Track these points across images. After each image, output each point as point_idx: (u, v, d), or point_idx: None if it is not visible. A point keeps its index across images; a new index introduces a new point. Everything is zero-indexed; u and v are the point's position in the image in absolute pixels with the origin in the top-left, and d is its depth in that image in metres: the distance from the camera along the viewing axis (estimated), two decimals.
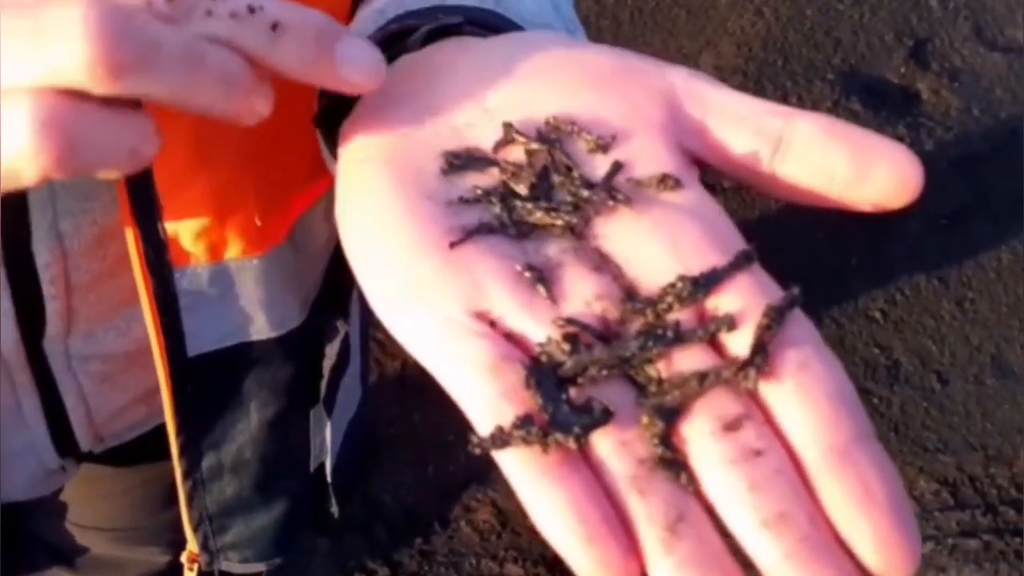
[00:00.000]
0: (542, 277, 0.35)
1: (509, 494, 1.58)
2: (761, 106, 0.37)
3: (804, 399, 0.31)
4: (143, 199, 0.48)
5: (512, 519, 1.57)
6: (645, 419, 0.32)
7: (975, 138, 1.98)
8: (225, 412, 0.60)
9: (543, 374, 0.32)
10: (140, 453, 0.67)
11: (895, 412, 1.69)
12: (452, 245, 0.35)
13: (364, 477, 1.54)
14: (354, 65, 0.36)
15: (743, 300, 0.33)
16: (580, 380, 0.33)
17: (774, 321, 0.32)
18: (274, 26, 0.34)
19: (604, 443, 0.31)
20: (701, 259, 0.34)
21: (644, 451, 0.31)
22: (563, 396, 0.32)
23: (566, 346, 0.33)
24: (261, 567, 0.70)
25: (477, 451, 0.31)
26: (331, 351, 0.65)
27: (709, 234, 0.35)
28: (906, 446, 1.65)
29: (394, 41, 0.44)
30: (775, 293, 0.34)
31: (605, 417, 0.32)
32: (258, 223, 0.51)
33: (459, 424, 0.33)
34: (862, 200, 0.35)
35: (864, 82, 2.05)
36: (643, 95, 0.38)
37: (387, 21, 0.45)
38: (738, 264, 0.34)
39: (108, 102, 0.32)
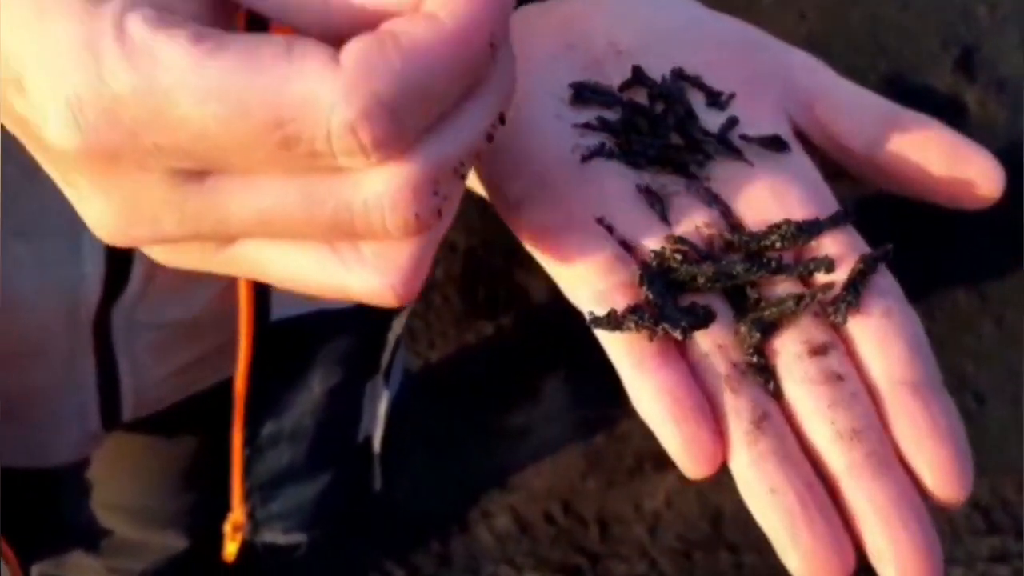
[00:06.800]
0: (659, 199, 0.39)
1: (528, 499, 1.57)
2: (869, 96, 0.42)
3: (886, 339, 0.35)
4: None
5: (531, 525, 1.54)
6: (743, 329, 0.36)
7: (1022, 151, 1.94)
8: (292, 379, 0.62)
9: (655, 275, 0.36)
10: (166, 425, 0.69)
11: None
12: (584, 159, 0.39)
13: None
14: None
15: (839, 249, 0.38)
16: (685, 289, 0.36)
17: (868, 267, 0.37)
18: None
19: (703, 343, 0.35)
20: (804, 211, 0.38)
21: (738, 357, 0.35)
22: (671, 297, 0.36)
23: (678, 256, 0.37)
24: (302, 537, 0.72)
25: (592, 326, 0.35)
26: (397, 324, 0.68)
27: (811, 192, 0.39)
28: None
29: None
30: (866, 248, 0.38)
31: (708, 318, 0.36)
32: None
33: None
34: (947, 195, 0.40)
35: (909, 90, 2.00)
36: (763, 66, 0.42)
37: None
38: (837, 220, 0.39)
39: None
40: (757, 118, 0.41)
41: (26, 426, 0.61)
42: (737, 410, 0.34)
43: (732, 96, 0.42)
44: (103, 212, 0.31)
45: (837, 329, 0.36)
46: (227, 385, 0.64)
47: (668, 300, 0.36)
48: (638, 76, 0.42)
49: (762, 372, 0.35)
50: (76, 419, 0.62)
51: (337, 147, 0.28)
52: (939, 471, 0.34)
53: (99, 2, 0.28)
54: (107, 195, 0.31)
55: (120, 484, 0.79)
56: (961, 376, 1.71)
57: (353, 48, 0.28)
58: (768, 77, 0.42)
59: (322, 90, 0.28)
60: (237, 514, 0.68)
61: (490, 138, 0.32)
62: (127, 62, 0.28)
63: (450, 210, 0.32)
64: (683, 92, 0.42)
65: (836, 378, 0.35)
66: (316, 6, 0.30)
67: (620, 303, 0.35)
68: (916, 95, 2.00)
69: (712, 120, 0.41)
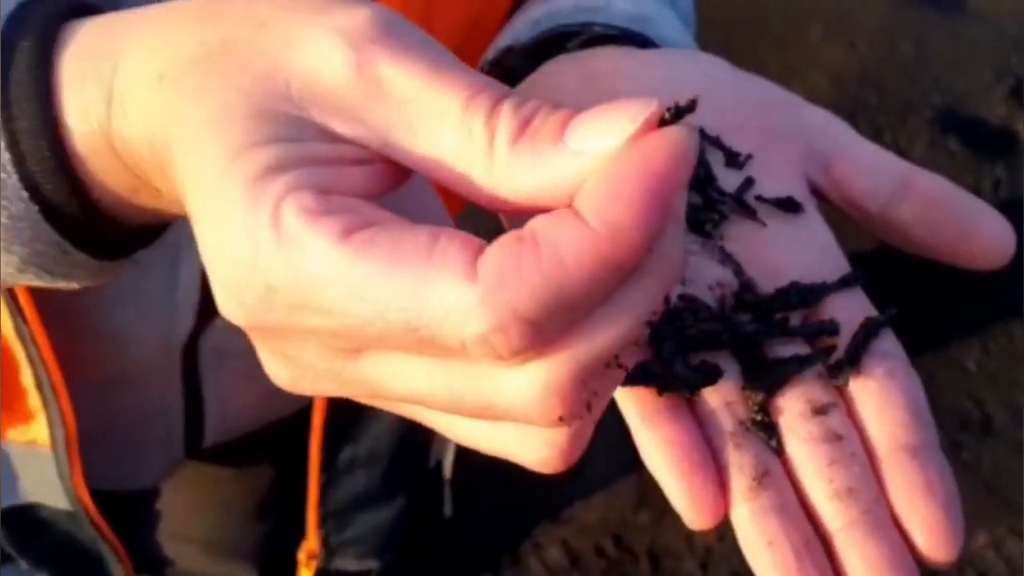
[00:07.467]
0: None
1: (579, 532, 1.56)
2: (886, 157, 0.42)
3: (886, 402, 0.36)
4: None
5: (582, 558, 1.54)
6: (749, 387, 0.37)
7: None
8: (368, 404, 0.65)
9: (667, 333, 0.37)
10: (242, 455, 0.72)
11: (986, 468, 1.63)
12: None
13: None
14: None
15: (846, 311, 0.39)
16: (696, 348, 0.37)
17: (871, 332, 0.38)
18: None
19: (711, 400, 0.37)
20: (814, 272, 0.40)
21: (743, 414, 0.37)
22: (681, 355, 0.37)
23: (690, 315, 0.38)
24: (375, 563, 0.73)
25: None
26: None
27: (822, 254, 0.41)
28: (997, 504, 1.59)
29: (542, 45, 0.50)
30: (872, 312, 0.39)
31: (716, 376, 0.37)
32: None
33: None
34: (959, 258, 0.41)
35: (961, 121, 1.99)
36: (783, 127, 0.43)
37: (541, 31, 0.50)
38: (845, 283, 0.40)
39: None
40: (774, 177, 0.42)
41: (113, 450, 0.63)
42: (740, 465, 0.35)
43: (749, 157, 0.43)
44: (273, 367, 0.33)
45: (840, 389, 0.37)
46: (304, 412, 0.65)
47: (678, 357, 0.37)
48: None
49: (766, 429, 0.37)
50: (162, 444, 0.65)
51: (472, 352, 0.28)
52: (931, 533, 0.34)
53: (265, 183, 0.29)
54: (275, 355, 0.32)
55: (196, 515, 0.81)
56: (1017, 413, 1.69)
57: (492, 255, 0.28)
58: (787, 136, 0.43)
59: (457, 299, 0.28)
60: (312, 541, 0.69)
61: (650, 324, 0.30)
62: (280, 253, 0.29)
63: (608, 395, 0.31)
64: (703, 152, 0.42)
65: (836, 438, 0.36)
66: (482, 193, 0.30)
67: (633, 359, 0.36)
68: (968, 125, 1.98)
69: (730, 179, 0.42)
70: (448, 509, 0.80)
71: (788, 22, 2.13)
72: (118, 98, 0.34)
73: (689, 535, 1.54)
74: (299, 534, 0.70)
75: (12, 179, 0.36)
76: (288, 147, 0.30)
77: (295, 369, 0.32)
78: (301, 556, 0.70)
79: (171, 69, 0.32)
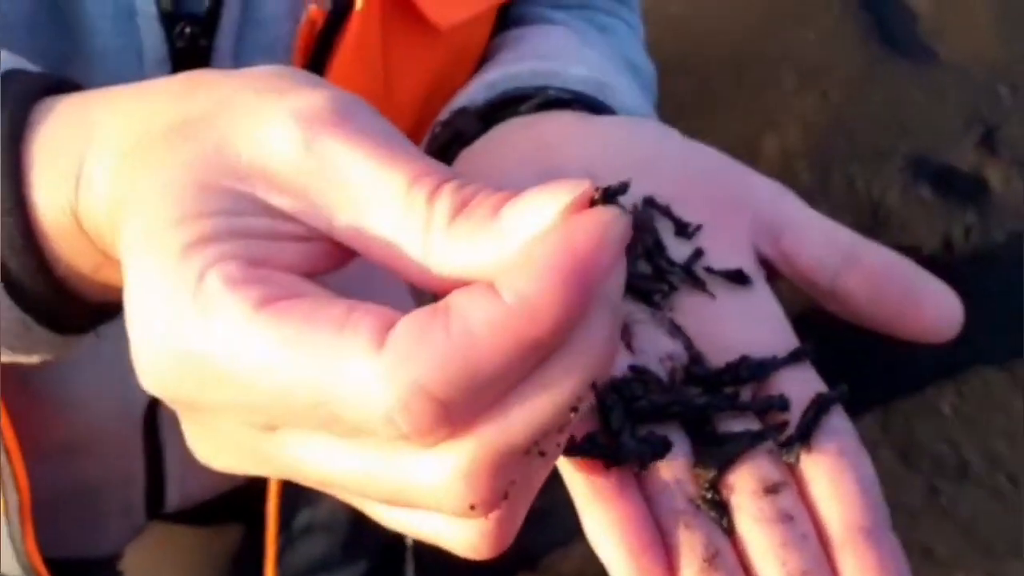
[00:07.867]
0: (625, 327, 0.39)
1: None
2: (834, 229, 0.42)
3: (838, 481, 0.36)
4: None
5: None
6: (700, 465, 0.36)
7: None
8: None
9: (615, 404, 0.36)
10: (205, 517, 0.71)
11: (963, 513, 1.63)
12: None
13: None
14: None
15: (796, 386, 0.38)
16: (645, 420, 0.36)
17: (822, 408, 0.37)
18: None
19: (660, 476, 0.35)
20: (763, 345, 0.39)
21: (694, 492, 0.36)
22: (630, 427, 0.36)
23: (639, 387, 0.37)
24: None
25: None
26: None
27: (770, 329, 0.40)
28: (975, 549, 1.59)
29: (497, 107, 0.49)
30: (822, 387, 0.39)
31: (665, 449, 0.35)
32: None
33: None
34: (904, 331, 0.40)
35: (933, 168, 2.01)
36: (732, 197, 0.43)
37: (496, 94, 0.50)
38: (794, 358, 0.39)
39: None
40: (723, 248, 0.41)
41: (72, 517, 0.62)
42: (691, 546, 0.34)
43: (699, 227, 0.42)
44: (194, 439, 0.32)
45: (791, 466, 0.37)
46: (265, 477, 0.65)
47: (627, 430, 0.36)
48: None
49: (716, 508, 0.35)
50: (122, 511, 0.64)
51: (380, 432, 0.27)
52: None
53: (196, 250, 0.29)
54: (195, 428, 0.32)
55: None
56: (993, 457, 1.69)
57: (401, 327, 0.27)
58: (735, 207, 0.42)
59: (361, 372, 0.26)
60: None
61: (574, 410, 0.29)
62: (196, 318, 0.28)
63: (532, 484, 0.30)
64: (652, 221, 0.42)
65: (788, 518, 0.35)
66: (417, 271, 0.29)
67: (580, 430, 0.34)
68: (940, 173, 2.01)
69: (679, 250, 0.42)
70: (410, 574, 0.79)
71: (762, 72, 2.16)
72: (86, 174, 0.34)
73: None
74: None
75: None
76: (226, 220, 0.30)
77: (214, 444, 0.31)
78: None
79: (137, 144, 0.32)
